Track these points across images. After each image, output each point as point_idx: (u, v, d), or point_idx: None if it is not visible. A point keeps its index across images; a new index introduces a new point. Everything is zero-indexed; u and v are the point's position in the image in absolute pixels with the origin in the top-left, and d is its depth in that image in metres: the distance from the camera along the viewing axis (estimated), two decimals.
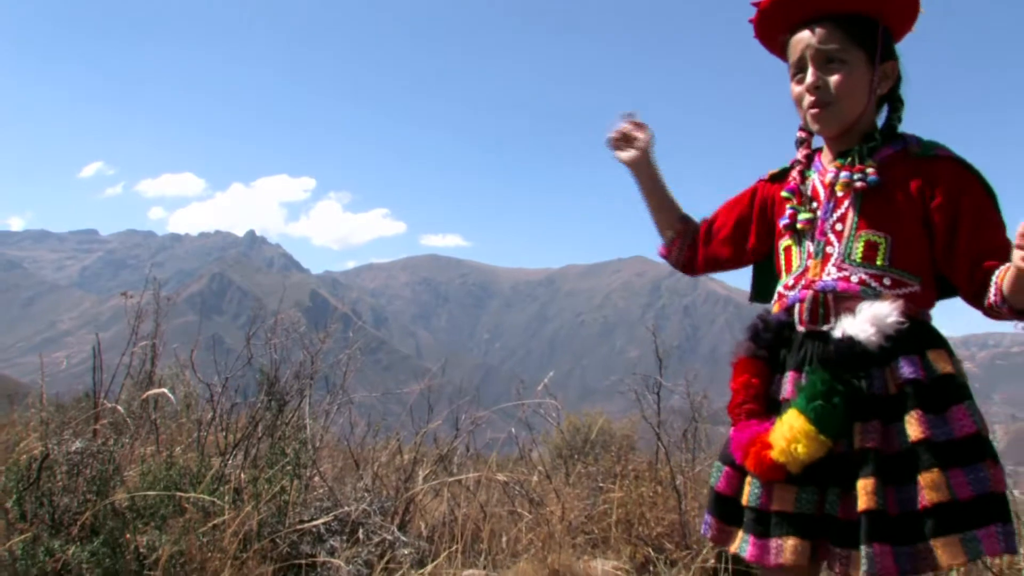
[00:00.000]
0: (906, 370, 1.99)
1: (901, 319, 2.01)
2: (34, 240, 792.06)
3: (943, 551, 1.85)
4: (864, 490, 1.92)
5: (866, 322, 2.02)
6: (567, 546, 4.96)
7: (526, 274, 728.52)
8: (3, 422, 5.33)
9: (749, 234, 2.49)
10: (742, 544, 2.11)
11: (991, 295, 1.98)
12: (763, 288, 2.55)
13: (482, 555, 4.61)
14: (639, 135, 2.55)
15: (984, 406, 2.08)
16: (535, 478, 5.90)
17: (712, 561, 4.78)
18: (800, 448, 1.97)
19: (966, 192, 2.08)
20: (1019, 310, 1.93)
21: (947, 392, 1.98)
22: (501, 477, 5.55)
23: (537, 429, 7.22)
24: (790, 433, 1.99)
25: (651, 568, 5.01)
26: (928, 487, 1.88)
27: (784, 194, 2.36)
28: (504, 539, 5.10)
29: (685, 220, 2.63)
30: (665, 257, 2.67)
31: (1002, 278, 1.94)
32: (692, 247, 2.61)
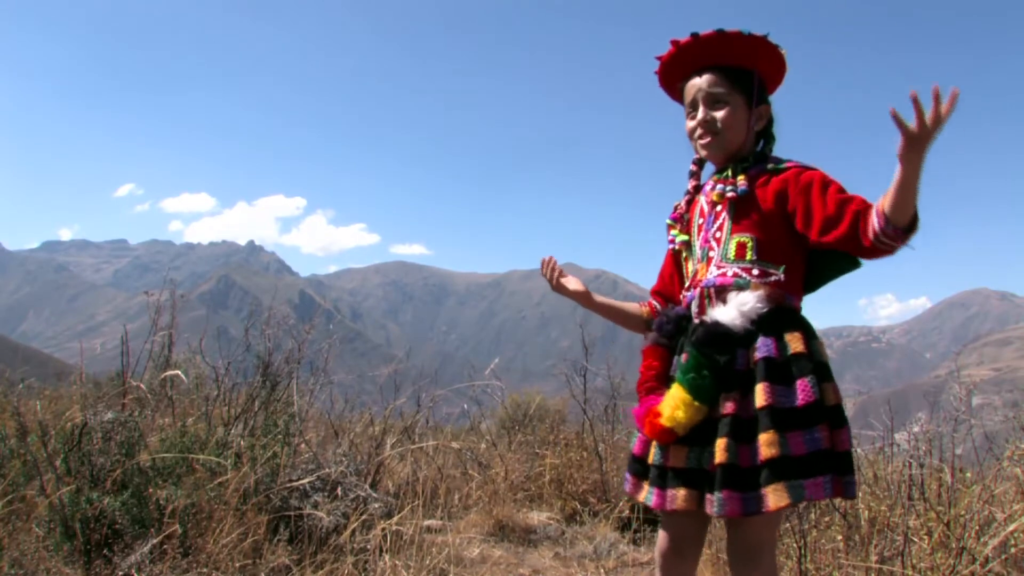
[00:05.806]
0: (761, 349, 2.02)
1: (762, 306, 2.05)
2: (78, 248, 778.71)
3: (771, 495, 1.88)
4: (719, 448, 1.96)
5: (733, 309, 2.06)
6: (509, 501, 5.00)
7: (477, 277, 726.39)
8: (54, 396, 5.28)
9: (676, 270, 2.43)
10: (648, 495, 2.13)
11: (874, 224, 1.85)
12: None
13: (439, 508, 4.63)
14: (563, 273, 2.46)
15: (837, 384, 2.12)
16: (483, 445, 5.93)
17: (627, 512, 4.85)
18: (680, 413, 2.01)
19: (807, 178, 2.07)
20: (903, 228, 1.82)
21: (796, 368, 1.99)
22: (455, 445, 5.58)
23: (485, 405, 7.25)
24: (673, 402, 2.03)
25: (578, 518, 5.07)
26: (764, 444, 1.91)
27: (668, 221, 2.40)
28: (457, 496, 5.13)
29: (640, 311, 2.48)
30: (657, 345, 2.35)
31: (882, 203, 1.83)
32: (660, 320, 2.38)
